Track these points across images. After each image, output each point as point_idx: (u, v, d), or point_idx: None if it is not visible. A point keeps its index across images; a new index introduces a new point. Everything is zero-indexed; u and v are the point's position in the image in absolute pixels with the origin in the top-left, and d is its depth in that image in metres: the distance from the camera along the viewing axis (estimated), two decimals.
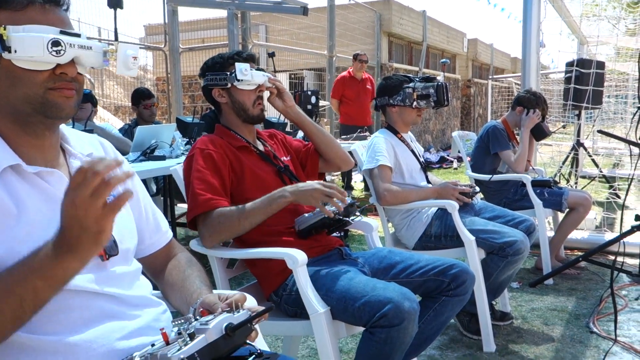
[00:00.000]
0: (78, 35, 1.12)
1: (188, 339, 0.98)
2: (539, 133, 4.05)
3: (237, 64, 2.07)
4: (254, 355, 1.06)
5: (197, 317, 1.07)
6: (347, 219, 2.03)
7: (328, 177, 8.36)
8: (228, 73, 2.09)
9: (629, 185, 3.13)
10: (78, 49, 1.10)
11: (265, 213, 1.95)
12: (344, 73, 7.72)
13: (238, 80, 2.07)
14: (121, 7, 3.16)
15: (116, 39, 2.35)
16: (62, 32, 1.09)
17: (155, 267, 1.44)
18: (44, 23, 1.08)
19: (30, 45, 1.05)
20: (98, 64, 1.17)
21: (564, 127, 7.86)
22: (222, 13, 8.13)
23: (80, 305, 1.11)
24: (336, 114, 8.17)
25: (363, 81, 7.60)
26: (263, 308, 1.11)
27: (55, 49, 1.06)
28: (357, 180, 8.41)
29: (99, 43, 1.17)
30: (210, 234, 1.96)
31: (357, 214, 2.09)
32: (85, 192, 0.89)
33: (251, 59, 2.15)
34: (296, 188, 1.95)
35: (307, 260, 1.89)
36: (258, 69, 2.12)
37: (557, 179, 4.45)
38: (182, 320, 1.05)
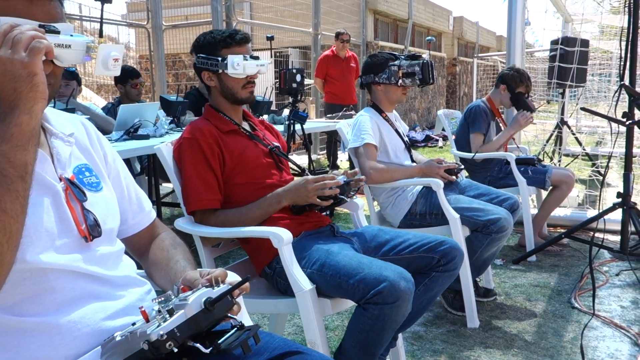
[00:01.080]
0: (58, 32, 1.07)
1: (167, 315, 0.97)
2: (524, 109, 4.07)
3: (230, 57, 2.04)
4: (235, 328, 1.06)
5: (178, 295, 1.07)
6: (344, 197, 2.05)
7: (314, 156, 8.37)
8: (220, 59, 2.06)
9: (608, 161, 3.16)
10: (55, 48, 1.05)
11: (262, 217, 2.03)
12: (327, 52, 7.66)
13: (228, 70, 2.06)
14: (110, 2, 3.07)
15: (101, 35, 2.29)
16: (40, 26, 1.04)
17: (139, 247, 1.44)
18: (25, 15, 1.04)
19: None
20: (77, 61, 1.12)
21: (548, 102, 7.89)
22: None
23: (65, 286, 1.10)
24: (321, 93, 8.12)
25: (347, 59, 7.54)
26: (241, 280, 1.11)
27: None
28: (342, 159, 8.41)
29: (80, 39, 1.11)
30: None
31: (352, 192, 2.10)
32: (5, 50, 0.96)
33: (245, 41, 2.11)
34: (289, 191, 2.02)
35: (302, 233, 1.96)
36: (252, 57, 2.08)
37: (540, 157, 4.48)
38: (162, 298, 1.05)
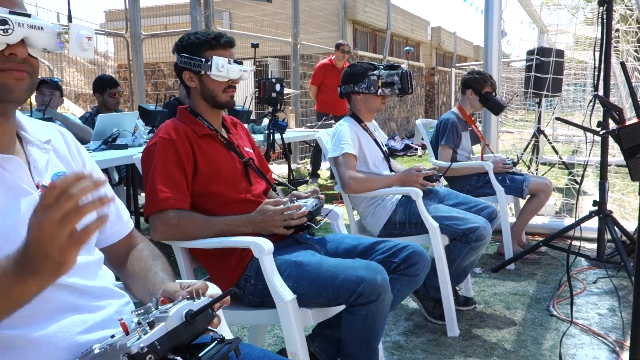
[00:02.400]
0: (28, 16, 1.08)
1: (148, 327, 0.96)
2: (496, 107, 4.12)
3: (214, 58, 2.01)
4: (215, 342, 1.05)
5: (158, 307, 1.06)
6: (312, 224, 2.04)
7: (293, 165, 8.34)
8: (203, 60, 2.03)
9: (584, 170, 3.21)
10: (28, 28, 1.07)
11: (225, 234, 1.96)
12: (325, 60, 7.63)
13: (212, 72, 2.03)
14: None
15: (70, 20, 2.26)
16: (11, 12, 1.05)
17: (116, 258, 1.41)
18: None
19: None
20: (51, 46, 1.13)
21: (516, 95, 7.98)
22: None
23: (42, 297, 1.07)
24: (307, 102, 8.10)
25: (343, 70, 7.53)
26: (223, 293, 1.10)
27: (2, 27, 1.03)
28: (324, 168, 8.41)
29: (51, 24, 1.13)
30: (163, 231, 1.94)
31: (322, 216, 2.09)
32: (55, 216, 0.82)
33: (229, 45, 2.10)
34: (257, 219, 1.95)
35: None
36: (236, 61, 2.07)
37: (516, 160, 4.52)
38: (142, 310, 1.03)
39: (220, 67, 2.02)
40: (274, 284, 1.81)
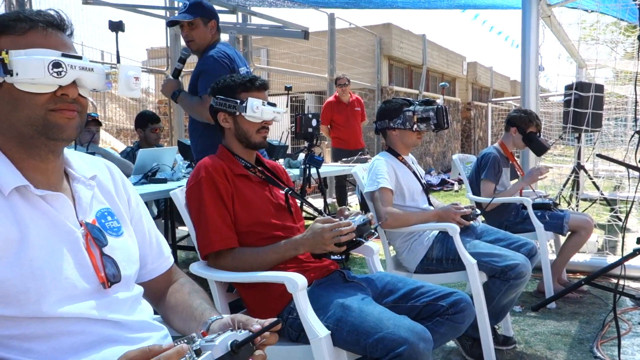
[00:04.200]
0: (79, 58, 1.13)
1: (194, 355, 0.98)
2: (539, 148, 4.07)
3: (250, 100, 2.07)
4: None
5: (200, 336, 1.07)
6: (362, 239, 2.02)
7: (329, 200, 8.35)
8: (238, 102, 2.09)
9: (630, 208, 3.13)
10: (79, 70, 1.11)
11: (277, 262, 2.01)
12: (330, 98, 7.67)
13: (247, 113, 2.08)
14: (122, 30, 3.19)
15: (118, 61, 2.36)
16: (63, 55, 1.10)
17: (155, 292, 1.43)
18: (46, 46, 1.10)
19: (31, 67, 1.06)
20: (100, 86, 1.18)
21: (561, 138, 7.85)
22: (224, 37, 8.20)
23: (82, 331, 1.10)
24: (328, 139, 8.15)
25: (351, 104, 7.52)
26: (269, 323, 1.11)
27: (56, 70, 1.08)
28: (352, 202, 8.39)
29: (101, 65, 1.18)
30: (223, 269, 2.01)
31: (371, 231, 2.07)
32: None
33: (263, 88, 2.16)
34: (306, 239, 1.98)
35: (312, 282, 1.93)
36: (269, 104, 2.13)
37: (557, 201, 4.45)
38: (186, 340, 1.05)
39: (255, 109, 2.07)
40: (308, 320, 1.79)
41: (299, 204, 2.29)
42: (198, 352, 0.99)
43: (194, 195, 2.07)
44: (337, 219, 2.00)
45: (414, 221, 2.91)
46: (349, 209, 2.13)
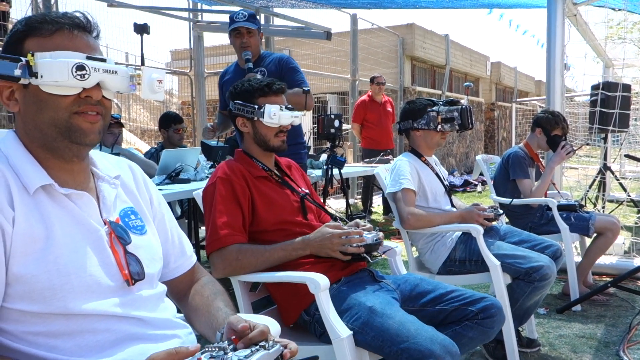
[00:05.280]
0: (104, 60, 1.14)
1: None
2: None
3: (267, 106, 2.09)
4: None
5: (230, 345, 1.07)
6: (368, 257, 2.02)
7: (351, 200, 8.35)
8: (256, 107, 2.11)
9: None
10: (103, 73, 1.13)
11: (285, 260, 2.00)
12: (364, 97, 7.70)
13: (264, 119, 2.10)
14: (148, 33, 3.23)
15: (142, 63, 2.39)
16: (88, 58, 1.11)
17: (178, 291, 1.44)
18: (71, 49, 1.11)
19: (56, 70, 1.08)
20: (124, 89, 1.19)
21: (588, 144, 7.75)
22: None
23: (107, 328, 1.12)
24: (358, 139, 8.15)
25: (383, 104, 7.56)
26: (297, 348, 1.12)
27: (79, 73, 1.09)
28: (378, 203, 8.37)
29: (125, 68, 1.19)
30: (224, 267, 1.99)
31: (378, 254, 2.07)
32: None
33: (281, 92, 2.17)
34: (315, 240, 1.98)
35: (341, 279, 1.95)
36: (287, 108, 2.14)
37: (583, 202, 4.39)
38: (216, 349, 1.05)
39: (272, 115, 2.09)
40: (330, 320, 1.79)
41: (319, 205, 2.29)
42: None
43: (208, 196, 2.08)
44: (347, 228, 2.00)
45: (437, 222, 2.89)
46: (365, 223, 2.12)
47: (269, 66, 3.58)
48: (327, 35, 6.75)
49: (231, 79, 3.59)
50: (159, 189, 3.29)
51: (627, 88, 5.43)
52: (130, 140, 9.78)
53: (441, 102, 3.08)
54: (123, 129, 4.54)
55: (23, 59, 1.08)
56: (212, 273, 1.98)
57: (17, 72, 1.08)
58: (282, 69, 3.56)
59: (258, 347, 1.07)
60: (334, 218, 2.29)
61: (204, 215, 2.10)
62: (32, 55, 1.08)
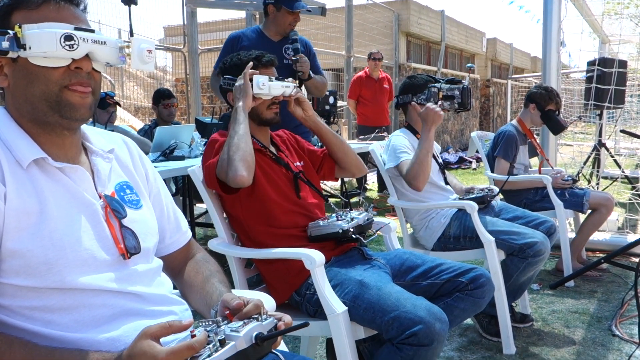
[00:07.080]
0: (92, 31, 1.13)
1: (219, 345, 0.98)
2: (556, 127, 4.01)
3: (255, 77, 2.03)
4: None
5: (224, 321, 1.07)
6: (360, 237, 2.02)
7: (346, 178, 8.33)
8: None
9: None
10: (92, 43, 1.12)
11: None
12: (360, 73, 7.64)
13: (254, 91, 2.04)
14: (135, 4, 3.18)
15: (131, 34, 2.35)
16: (76, 29, 1.10)
17: (174, 267, 1.44)
18: (59, 20, 1.10)
19: (44, 40, 1.07)
20: (114, 60, 1.18)
21: (579, 118, 7.73)
22: (241, 14, 8.17)
23: (103, 304, 1.12)
24: (354, 115, 8.11)
25: (380, 80, 7.50)
26: (291, 321, 1.11)
27: (68, 43, 1.08)
28: (373, 180, 8.37)
29: (114, 39, 1.18)
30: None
31: (372, 231, 2.06)
32: None
33: (271, 64, 2.13)
34: None
35: (331, 259, 1.93)
36: (278, 78, 2.09)
37: (577, 178, 4.38)
38: (210, 322, 1.05)
39: (262, 85, 2.03)
40: (325, 296, 1.81)
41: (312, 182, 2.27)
42: (222, 342, 0.98)
43: (209, 151, 2.06)
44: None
45: (417, 156, 2.76)
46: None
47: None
48: (322, 10, 6.67)
49: (251, 45, 3.47)
50: (154, 166, 3.30)
51: (623, 64, 5.41)
52: (124, 118, 9.71)
53: (442, 80, 3.05)
54: (117, 106, 4.48)
55: (10, 31, 1.07)
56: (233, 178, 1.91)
57: (5, 44, 1.06)
58: (309, 53, 3.65)
59: (251, 319, 1.07)
60: (325, 199, 2.27)
61: (203, 162, 2.07)
62: (20, 27, 1.07)
